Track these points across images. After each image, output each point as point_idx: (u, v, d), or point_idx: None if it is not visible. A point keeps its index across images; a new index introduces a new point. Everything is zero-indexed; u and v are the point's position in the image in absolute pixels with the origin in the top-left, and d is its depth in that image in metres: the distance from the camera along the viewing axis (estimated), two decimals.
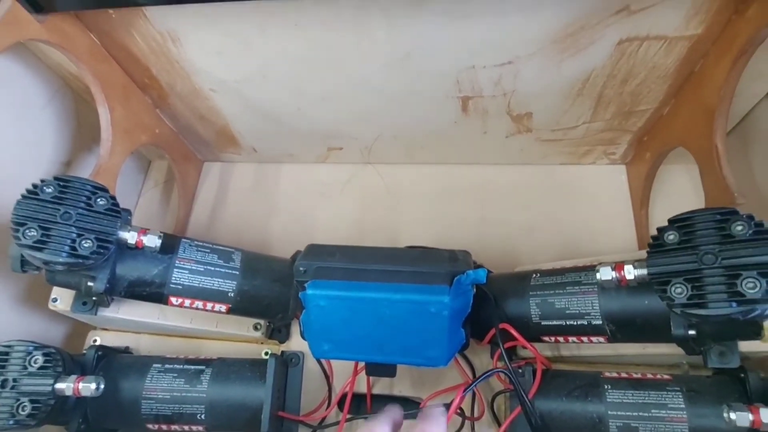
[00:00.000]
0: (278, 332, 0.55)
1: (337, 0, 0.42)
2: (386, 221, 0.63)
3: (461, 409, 0.46)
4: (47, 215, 0.38)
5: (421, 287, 0.40)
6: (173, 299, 0.45)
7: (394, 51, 0.47)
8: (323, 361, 0.52)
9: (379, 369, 0.45)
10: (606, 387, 0.42)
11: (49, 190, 0.38)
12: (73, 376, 0.41)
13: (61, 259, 0.37)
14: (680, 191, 0.58)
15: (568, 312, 0.42)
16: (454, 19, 0.43)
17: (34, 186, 0.38)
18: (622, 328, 0.41)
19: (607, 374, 0.43)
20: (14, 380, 0.39)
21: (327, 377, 0.52)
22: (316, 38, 0.46)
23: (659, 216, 0.57)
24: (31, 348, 0.41)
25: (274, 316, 0.51)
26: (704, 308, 0.31)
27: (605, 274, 0.36)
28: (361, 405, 0.52)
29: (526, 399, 0.41)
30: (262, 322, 0.53)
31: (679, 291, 0.32)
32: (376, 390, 0.53)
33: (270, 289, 0.49)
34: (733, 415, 0.35)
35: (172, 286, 0.45)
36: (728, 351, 0.38)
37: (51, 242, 0.37)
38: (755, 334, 0.36)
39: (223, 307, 0.47)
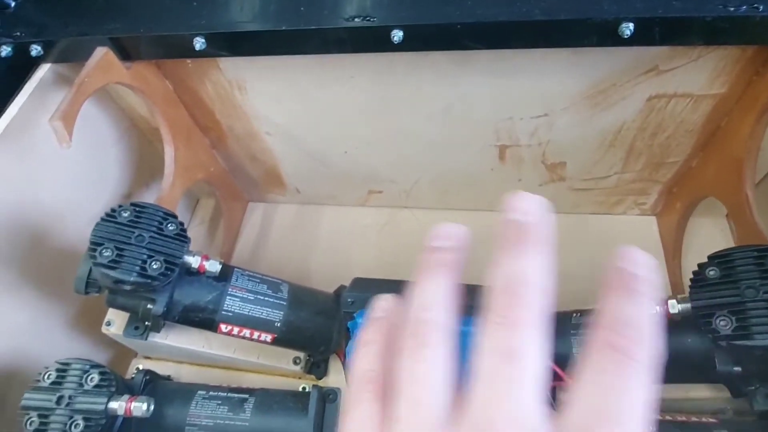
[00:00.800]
0: (317, 367, 0.55)
1: (392, 55, 0.47)
2: None
3: None
4: (122, 237, 0.41)
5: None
6: (223, 326, 0.47)
7: (439, 102, 0.51)
8: None
9: None
10: (651, 430, 0.41)
11: (126, 215, 0.41)
12: (126, 396, 0.42)
13: (131, 279, 0.39)
14: (710, 243, 0.60)
15: None
16: (496, 75, 0.48)
17: (113, 210, 0.42)
18: (666, 367, 0.41)
19: (653, 416, 0.43)
20: (70, 397, 0.41)
21: None
22: (368, 89, 0.51)
23: (691, 266, 0.58)
24: (87, 366, 0.42)
25: (316, 349, 0.52)
26: (750, 339, 0.32)
27: None
28: None
29: None
30: (301, 356, 0.54)
31: (723, 323, 0.33)
32: None
33: (314, 321, 0.50)
34: None
35: (223, 313, 0.46)
36: None
37: (123, 262, 0.40)
38: None
39: (269, 337, 0.49)
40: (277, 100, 0.54)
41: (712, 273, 0.35)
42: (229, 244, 0.67)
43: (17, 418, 0.40)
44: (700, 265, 0.37)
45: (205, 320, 0.47)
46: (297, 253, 0.67)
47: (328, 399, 0.53)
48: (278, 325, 0.48)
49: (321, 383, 0.55)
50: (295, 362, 0.54)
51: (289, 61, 0.48)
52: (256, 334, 0.48)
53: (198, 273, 0.45)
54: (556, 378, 0.44)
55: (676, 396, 0.44)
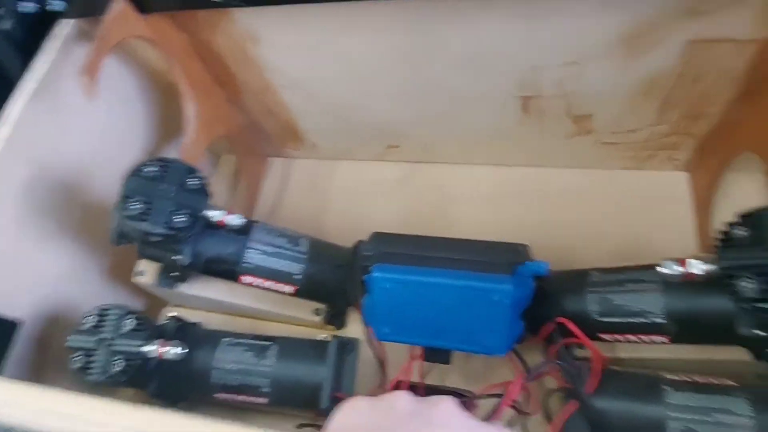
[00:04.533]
0: (336, 319, 0.57)
1: (411, 2, 0.44)
2: (440, 221, 0.64)
3: (517, 404, 0.47)
4: (149, 191, 0.42)
5: (485, 275, 0.42)
6: (244, 278, 0.49)
7: (461, 50, 0.49)
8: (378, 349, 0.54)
9: (435, 355, 0.46)
10: (666, 388, 0.41)
11: (153, 169, 0.43)
12: (158, 340, 0.44)
13: (159, 230, 0.41)
14: (745, 200, 0.57)
15: (628, 309, 0.42)
16: (523, 19, 0.45)
17: (141, 165, 0.43)
18: (685, 328, 0.40)
19: (668, 376, 0.43)
20: (110, 339, 0.44)
21: (381, 364, 0.54)
22: (387, 39, 0.49)
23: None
24: (124, 311, 0.45)
25: (336, 301, 0.53)
26: None
27: (669, 268, 0.36)
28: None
29: (583, 392, 0.41)
30: (322, 307, 0.56)
31: (749, 286, 0.32)
32: (428, 381, 0.54)
33: (333, 274, 0.51)
34: None
35: (244, 265, 0.48)
36: None
37: (151, 215, 0.41)
38: None
39: (290, 288, 0.50)
40: (291, 52, 0.53)
41: (741, 233, 0.34)
42: (250, 200, 0.69)
43: (67, 356, 0.43)
44: (729, 224, 0.35)
45: (227, 271, 0.48)
46: (314, 208, 0.68)
47: (346, 349, 0.56)
48: (298, 277, 0.50)
49: (340, 333, 0.57)
50: (316, 313, 0.56)
51: (303, 10, 0.47)
52: (277, 286, 0.50)
53: (220, 226, 0.47)
54: (572, 335, 0.44)
55: (697, 357, 0.44)
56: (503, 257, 0.43)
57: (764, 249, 0.32)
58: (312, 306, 0.56)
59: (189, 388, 0.49)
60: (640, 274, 0.43)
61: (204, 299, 0.54)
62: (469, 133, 0.61)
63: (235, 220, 0.45)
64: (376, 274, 0.43)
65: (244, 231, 0.48)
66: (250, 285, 0.49)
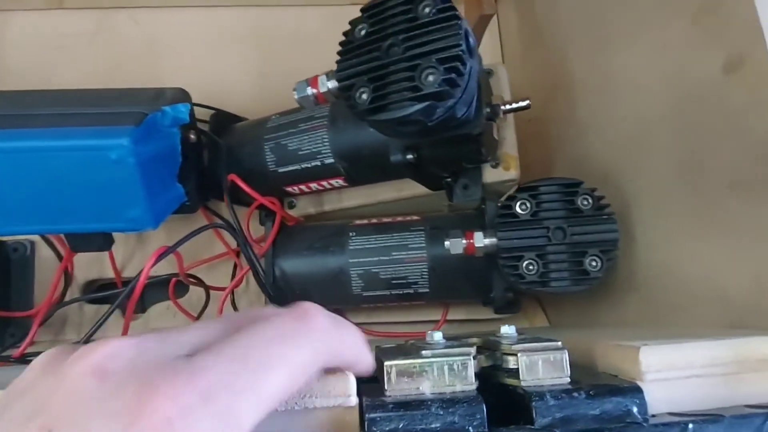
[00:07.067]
0: None
1: None
2: (147, 80, 0.51)
3: (196, 278, 0.40)
4: None
5: (98, 130, 0.31)
6: None
7: None
8: (55, 243, 0.43)
9: (84, 241, 0.37)
10: (350, 235, 0.38)
11: None
12: None
13: None
14: None
15: (301, 153, 0.36)
16: None
17: None
18: (353, 165, 0.35)
19: (356, 222, 0.39)
20: None
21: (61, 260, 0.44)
22: None
23: None
24: None
25: None
26: (386, 111, 0.26)
27: (301, 90, 0.29)
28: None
29: (253, 255, 0.36)
30: None
31: (364, 97, 0.26)
32: (128, 273, 0.45)
33: None
34: (447, 243, 0.32)
35: None
36: (471, 183, 0.35)
37: None
38: (476, 154, 0.32)
39: None
40: None
41: (358, 34, 0.27)
42: None
43: None
44: (350, 23, 0.28)
45: None
46: None
47: (15, 253, 0.44)
48: None
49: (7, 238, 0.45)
50: None
51: None
52: None
53: None
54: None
55: (390, 197, 0.40)
56: (137, 107, 0.33)
57: (376, 50, 0.26)
58: None
59: None
60: (312, 110, 0.36)
61: None
62: None
63: None
64: None
65: None
66: None
